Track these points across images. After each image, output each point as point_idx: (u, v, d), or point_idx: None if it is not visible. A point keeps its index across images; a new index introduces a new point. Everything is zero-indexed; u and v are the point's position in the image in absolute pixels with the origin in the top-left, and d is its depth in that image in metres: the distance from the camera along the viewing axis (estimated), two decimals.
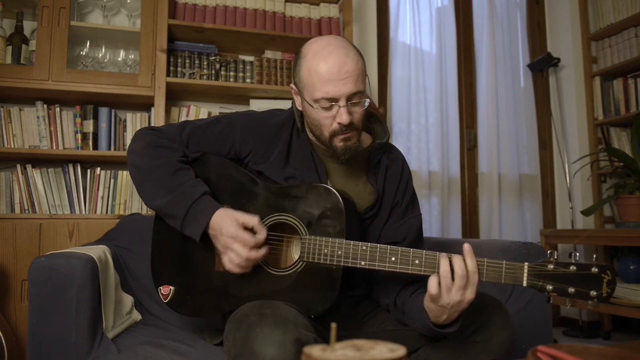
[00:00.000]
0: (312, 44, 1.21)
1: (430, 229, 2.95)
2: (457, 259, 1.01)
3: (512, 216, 3.13)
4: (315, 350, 0.52)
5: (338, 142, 1.20)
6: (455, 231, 3.04)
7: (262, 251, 1.13)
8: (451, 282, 0.99)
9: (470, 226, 3.12)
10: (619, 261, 2.64)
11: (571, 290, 0.98)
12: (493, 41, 3.19)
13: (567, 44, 3.23)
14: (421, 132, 3.01)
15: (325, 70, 1.14)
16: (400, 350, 0.51)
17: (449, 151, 3.05)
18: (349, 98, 1.15)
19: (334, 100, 1.15)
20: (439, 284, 1.00)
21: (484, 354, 1.09)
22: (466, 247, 1.01)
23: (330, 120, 1.17)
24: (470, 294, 1.00)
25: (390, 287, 1.23)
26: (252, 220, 1.13)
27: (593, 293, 0.96)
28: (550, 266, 0.99)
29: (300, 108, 1.27)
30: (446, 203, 3.01)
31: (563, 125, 3.20)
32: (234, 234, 1.11)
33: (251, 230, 1.13)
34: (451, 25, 3.15)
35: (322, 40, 1.20)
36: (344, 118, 1.15)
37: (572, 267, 0.98)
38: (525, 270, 1.00)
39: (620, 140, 3.12)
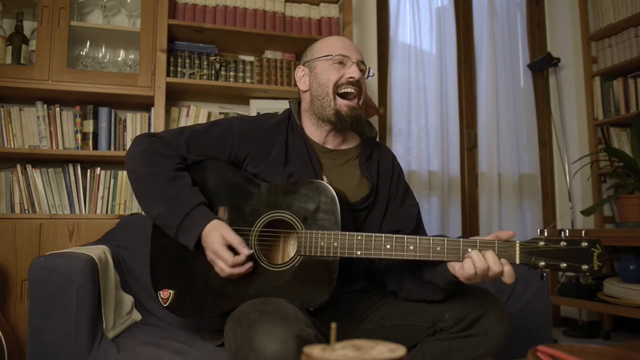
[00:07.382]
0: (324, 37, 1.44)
1: (430, 228, 2.94)
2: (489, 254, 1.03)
3: (512, 216, 3.13)
4: (315, 350, 0.52)
5: (344, 107, 1.30)
6: (455, 231, 3.04)
7: (245, 267, 1.16)
8: (487, 268, 1.01)
9: (470, 226, 3.12)
10: (618, 261, 2.64)
11: (563, 265, 1.00)
12: (493, 41, 3.19)
13: (567, 44, 3.23)
14: (421, 132, 3.01)
15: (339, 41, 1.36)
16: (400, 350, 0.51)
17: (449, 151, 3.05)
18: (357, 63, 1.32)
19: (346, 57, 1.31)
20: (475, 270, 1.01)
21: (481, 348, 1.11)
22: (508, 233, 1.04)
23: (339, 74, 1.31)
24: (508, 272, 1.02)
25: (401, 272, 1.24)
26: (235, 240, 1.16)
27: (584, 267, 0.98)
28: (541, 243, 1.01)
29: (305, 88, 1.37)
30: (446, 203, 3.01)
31: (563, 125, 3.20)
32: (216, 251, 1.15)
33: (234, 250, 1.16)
34: (451, 25, 3.15)
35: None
36: (355, 73, 1.30)
37: (563, 243, 1.00)
38: (517, 248, 1.03)
39: (620, 140, 3.12)
